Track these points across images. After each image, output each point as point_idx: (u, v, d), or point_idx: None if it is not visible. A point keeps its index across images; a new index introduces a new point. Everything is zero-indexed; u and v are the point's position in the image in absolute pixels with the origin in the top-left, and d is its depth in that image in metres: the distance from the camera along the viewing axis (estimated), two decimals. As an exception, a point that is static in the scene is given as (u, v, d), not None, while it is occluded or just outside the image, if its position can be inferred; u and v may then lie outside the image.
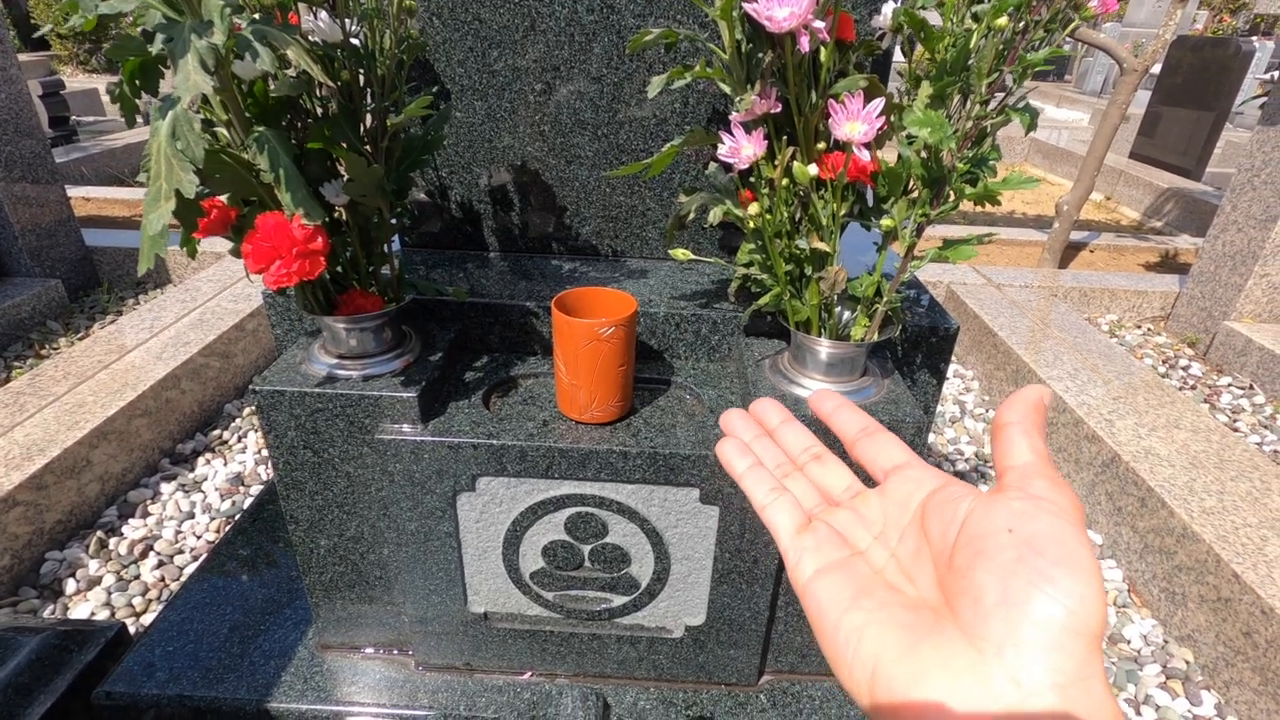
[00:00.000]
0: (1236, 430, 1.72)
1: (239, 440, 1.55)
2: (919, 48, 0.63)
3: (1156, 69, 4.42)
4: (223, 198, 0.59)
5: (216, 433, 1.56)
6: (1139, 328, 2.29)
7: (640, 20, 0.80)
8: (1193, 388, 1.92)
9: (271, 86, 0.57)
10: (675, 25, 0.80)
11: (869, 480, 0.35)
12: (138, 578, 1.17)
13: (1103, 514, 1.38)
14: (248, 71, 0.55)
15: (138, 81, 0.57)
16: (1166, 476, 1.26)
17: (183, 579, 1.18)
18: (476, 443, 0.68)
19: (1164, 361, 2.06)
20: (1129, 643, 1.16)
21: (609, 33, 0.81)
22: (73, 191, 2.83)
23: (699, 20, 0.79)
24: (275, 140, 0.54)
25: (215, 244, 2.27)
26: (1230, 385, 1.91)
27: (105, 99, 5.36)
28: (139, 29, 0.54)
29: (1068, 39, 0.59)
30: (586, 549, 0.74)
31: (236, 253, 0.59)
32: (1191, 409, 1.49)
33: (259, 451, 1.51)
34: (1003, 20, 0.54)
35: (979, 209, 3.53)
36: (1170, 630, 1.17)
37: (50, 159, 2.09)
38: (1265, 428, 1.73)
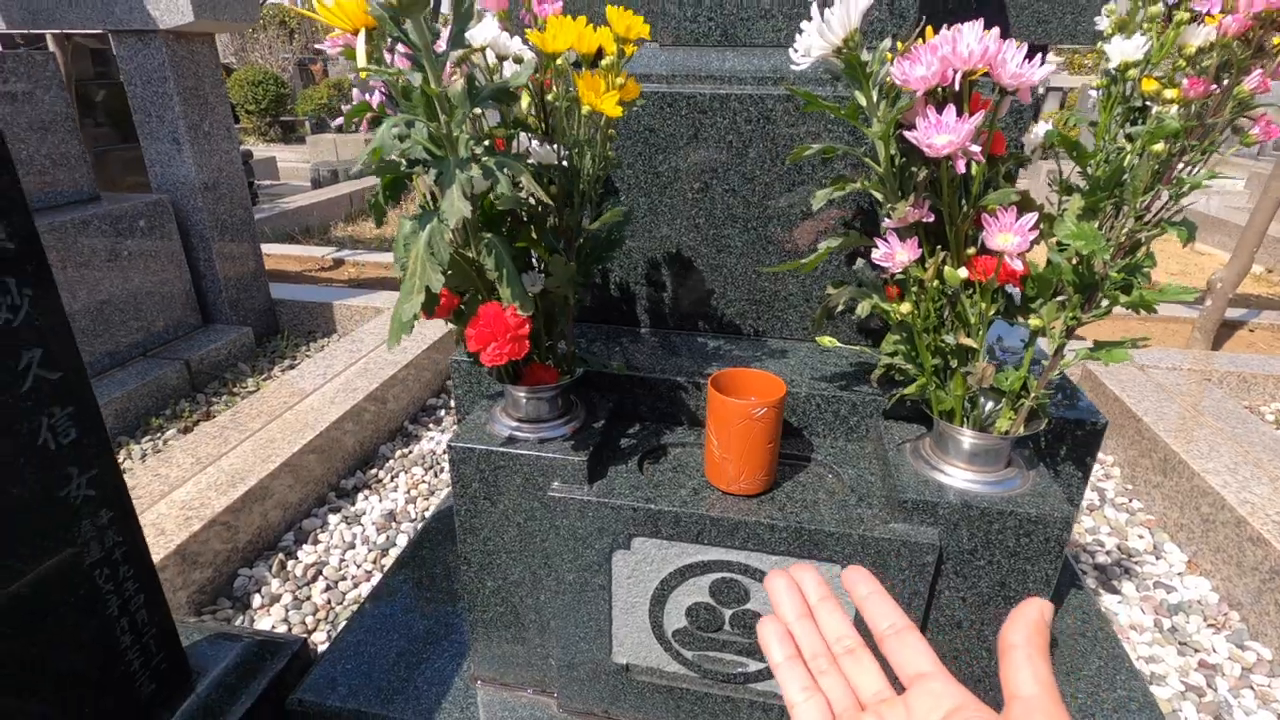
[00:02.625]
0: None
1: (392, 479, 1.72)
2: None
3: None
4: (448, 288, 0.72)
5: (373, 471, 1.74)
6: (1312, 419, 2.07)
7: (792, 129, 0.88)
8: (1382, 490, 1.72)
9: (497, 200, 0.69)
10: (824, 134, 0.88)
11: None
12: (309, 599, 1.33)
13: (1271, 626, 1.26)
14: (479, 186, 0.68)
15: (389, 193, 0.71)
16: (1350, 591, 1.15)
17: (346, 603, 1.32)
18: (636, 506, 0.75)
19: (1345, 458, 1.86)
20: (1308, 776, 1.05)
21: (763, 140, 0.90)
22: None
23: (848, 129, 0.87)
24: (500, 245, 0.65)
25: (375, 299, 2.55)
26: None
27: (282, 167, 6.16)
28: (403, 156, 0.68)
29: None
30: (728, 613, 0.79)
31: (460, 337, 0.70)
32: (1380, 516, 1.35)
33: (408, 491, 1.67)
34: (1160, 147, 0.57)
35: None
36: (1360, 767, 1.05)
37: (252, 222, 2.45)
38: None
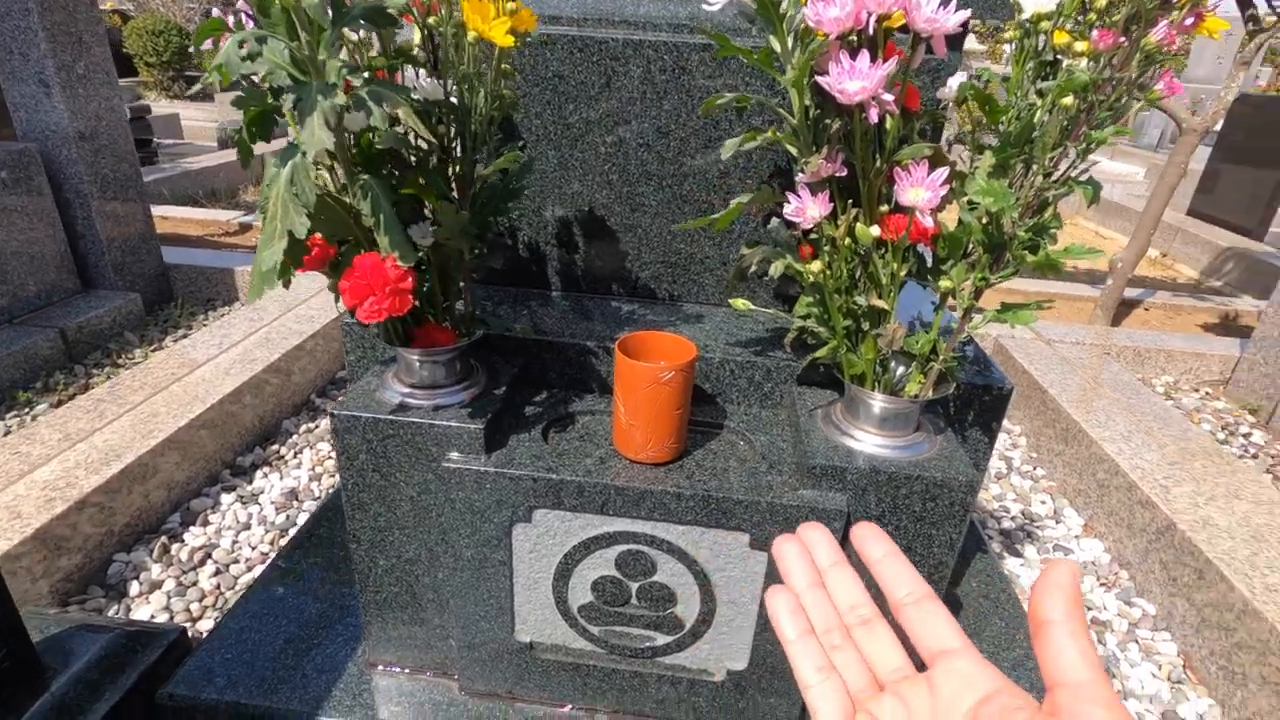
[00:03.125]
0: (1302, 504, 1.65)
1: (295, 456, 1.61)
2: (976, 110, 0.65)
3: (1217, 126, 4.34)
4: (321, 237, 0.64)
5: (274, 447, 1.62)
6: (1196, 391, 2.22)
7: (710, 80, 0.84)
8: (1254, 457, 1.85)
9: (376, 139, 0.62)
10: (744, 86, 0.84)
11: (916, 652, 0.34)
12: (195, 584, 1.22)
13: (1156, 584, 1.33)
14: (356, 124, 0.61)
15: (255, 129, 0.63)
16: (1226, 549, 1.22)
17: (238, 588, 1.23)
18: (536, 476, 0.71)
19: (1223, 428, 2.00)
20: (1183, 721, 1.11)
21: (679, 91, 0.85)
22: (153, 210, 3.02)
23: (767, 83, 0.83)
24: (378, 188, 0.59)
25: (282, 266, 2.38)
26: (1295, 456, 1.84)
27: (184, 123, 5.70)
28: (265, 85, 0.60)
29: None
30: (635, 586, 0.76)
31: (334, 288, 0.63)
32: (1253, 479, 1.44)
33: (312, 468, 1.57)
34: (1069, 100, 0.56)
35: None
36: (1229, 712, 1.12)
37: (139, 180, 2.24)
38: (1333, 503, 1.66)
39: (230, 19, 0.60)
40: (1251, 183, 4.12)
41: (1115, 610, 1.33)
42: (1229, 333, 2.68)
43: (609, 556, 0.75)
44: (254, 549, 1.32)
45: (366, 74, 0.61)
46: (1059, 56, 0.60)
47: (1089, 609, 1.33)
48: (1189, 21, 0.53)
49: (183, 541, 1.31)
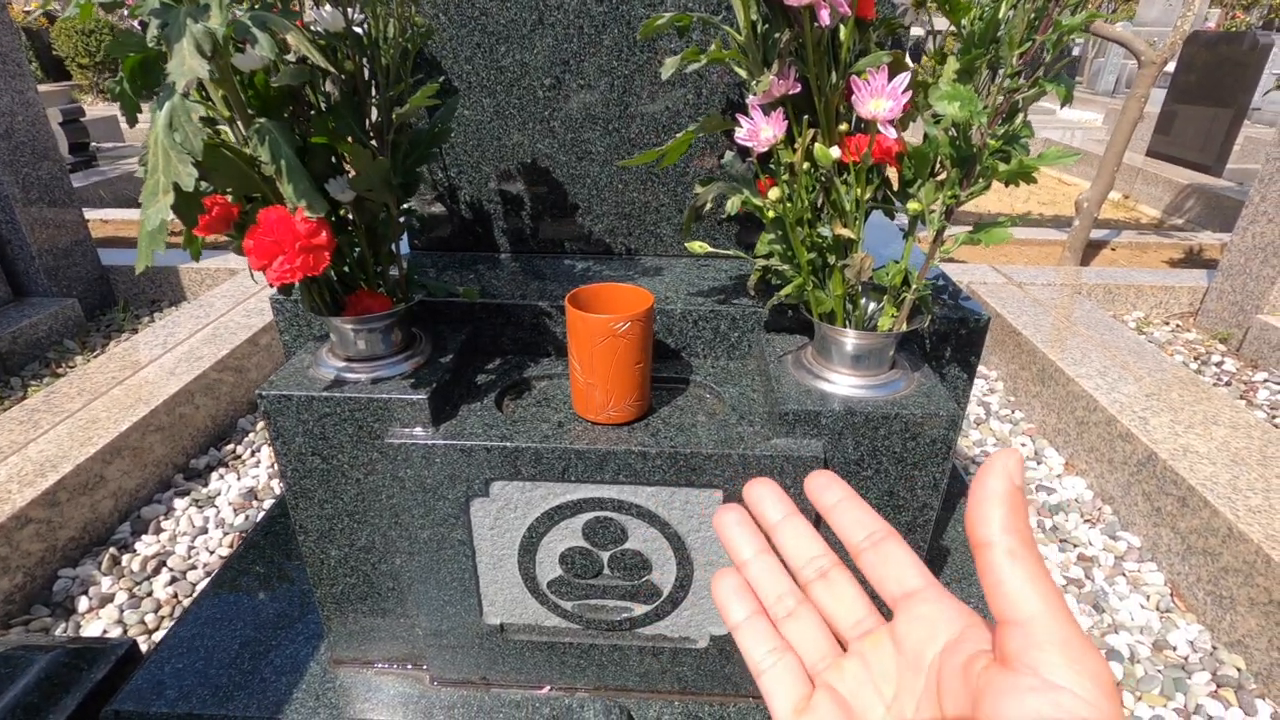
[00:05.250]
0: (1277, 426, 1.66)
1: (252, 454, 1.54)
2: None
3: (1170, 68, 4.36)
4: (225, 195, 0.57)
5: (230, 447, 1.55)
6: (1167, 324, 2.23)
7: (650, 9, 0.78)
8: (1227, 384, 1.86)
9: (273, 79, 0.55)
10: (685, 9, 0.77)
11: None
12: (150, 594, 1.16)
13: (1140, 515, 1.32)
14: (248, 63, 0.54)
15: (137, 79, 0.55)
16: (1208, 475, 1.21)
17: (196, 595, 1.16)
18: (489, 445, 0.65)
19: (1195, 358, 2.00)
20: (1175, 649, 1.10)
21: (619, 24, 0.79)
22: (92, 214, 2.87)
23: (709, 6, 0.77)
24: (276, 131, 0.52)
25: (229, 260, 2.28)
26: (1267, 380, 1.85)
27: (124, 126, 5.46)
28: (137, 21, 0.52)
29: (1079, 39, 0.56)
30: (606, 555, 0.71)
31: (239, 250, 0.57)
32: (1229, 405, 1.44)
33: (272, 465, 1.50)
34: (1035, -16, 0.51)
35: (990, 210, 3.48)
36: (1219, 636, 1.12)
37: (67, 181, 2.11)
38: (1306, 424, 1.67)
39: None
40: (1207, 121, 4.15)
41: (1101, 545, 1.32)
42: (1195, 266, 2.70)
43: (575, 526, 0.70)
44: (212, 553, 1.25)
45: (257, 4, 0.55)
46: (1022, -57, 0.55)
47: (1074, 546, 1.32)
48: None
49: (134, 551, 1.23)
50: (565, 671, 0.79)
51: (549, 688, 0.81)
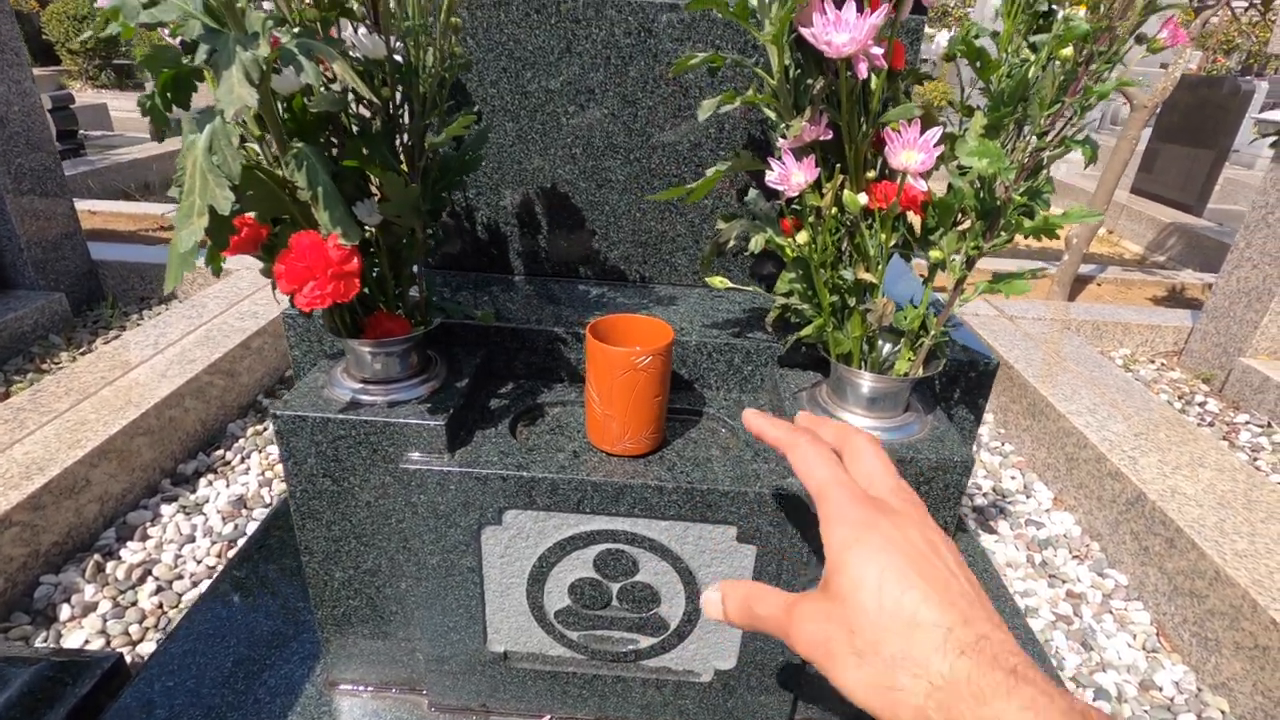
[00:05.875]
0: (1258, 469, 1.70)
1: (242, 461, 1.51)
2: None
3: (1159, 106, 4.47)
4: (253, 215, 0.57)
5: (219, 453, 1.52)
6: (1153, 362, 2.27)
7: (678, 45, 0.79)
8: (1210, 424, 1.90)
9: (310, 102, 0.55)
10: (715, 49, 0.78)
11: None
12: (135, 604, 1.13)
13: (1128, 553, 1.34)
14: (287, 86, 0.54)
15: (169, 94, 0.55)
16: (1195, 517, 1.23)
17: (182, 606, 1.14)
18: (505, 474, 0.65)
19: (1180, 397, 2.04)
20: (1161, 690, 1.12)
21: (645, 56, 0.80)
22: (79, 205, 2.82)
23: (738, 45, 0.78)
24: (314, 157, 0.52)
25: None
26: (1248, 423, 1.89)
27: (114, 114, 5.38)
28: (177, 39, 0.52)
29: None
30: (615, 587, 0.71)
31: (267, 272, 0.56)
32: (1214, 447, 1.47)
33: (262, 473, 1.48)
34: (1067, 51, 0.52)
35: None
36: (1204, 678, 1.13)
37: (60, 172, 2.07)
38: (1285, 467, 1.71)
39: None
40: (1188, 161, 4.26)
41: (1089, 582, 1.33)
42: (1177, 305, 2.76)
43: (587, 557, 0.69)
44: (199, 563, 1.22)
45: (297, 28, 0.54)
46: (1053, 7, 0.57)
47: (1063, 582, 1.33)
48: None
49: (119, 559, 1.21)
50: (567, 701, 0.78)
51: (549, 717, 0.80)
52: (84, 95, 6.41)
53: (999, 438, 1.82)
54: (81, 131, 4.32)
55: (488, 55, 0.80)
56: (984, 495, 1.58)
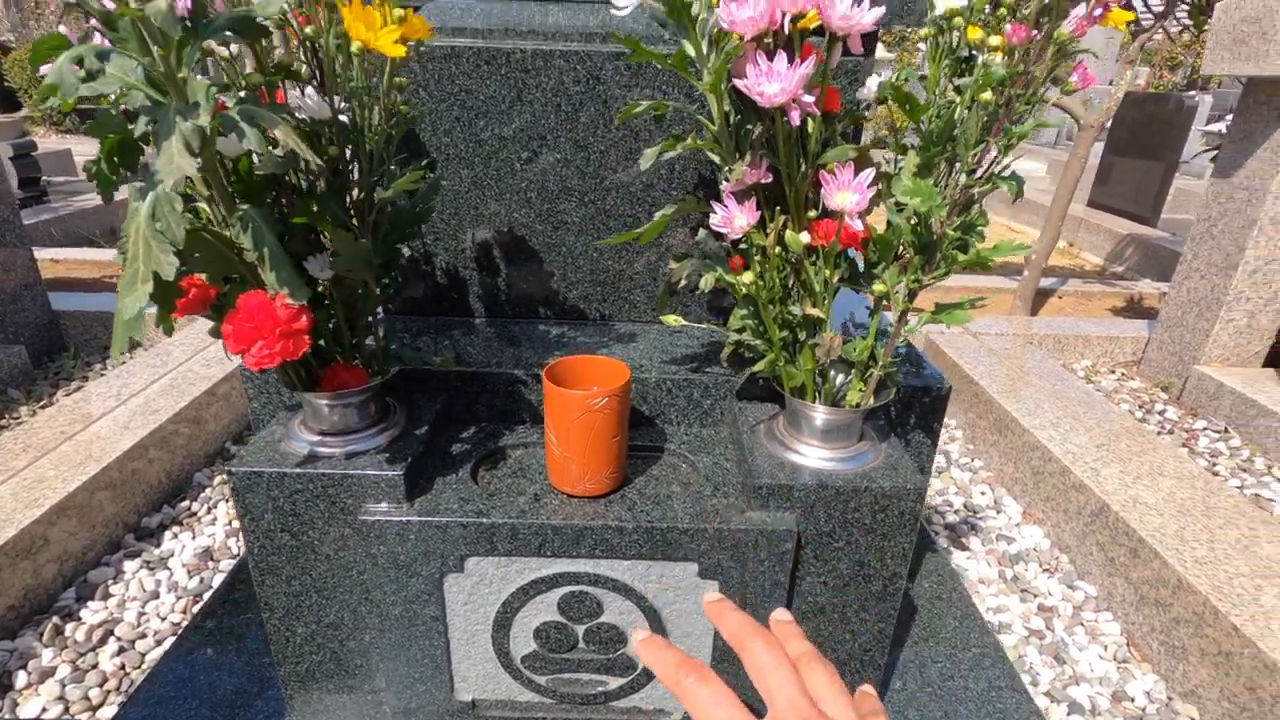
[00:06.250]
0: (1216, 474, 1.74)
1: (209, 511, 1.48)
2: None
3: (1108, 123, 4.64)
4: (202, 276, 0.57)
5: (185, 504, 1.49)
6: (1113, 372, 2.33)
7: (626, 91, 0.81)
8: (1170, 432, 1.95)
9: (257, 164, 0.56)
10: (661, 95, 0.81)
11: None
12: (95, 666, 1.10)
13: (1095, 565, 1.37)
14: (232, 149, 0.54)
15: (116, 159, 0.55)
16: (1156, 526, 1.26)
17: (145, 666, 1.11)
18: (465, 521, 0.65)
19: (1140, 406, 2.09)
20: (1133, 700, 1.13)
21: (595, 102, 0.82)
22: (42, 253, 2.78)
23: (684, 89, 0.81)
24: (260, 219, 0.52)
25: (188, 305, 2.22)
26: (1206, 429, 1.94)
27: (78, 159, 5.33)
28: (120, 107, 0.53)
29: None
30: (581, 629, 0.71)
31: (216, 332, 0.56)
32: (1173, 455, 1.50)
33: (229, 522, 1.45)
34: (987, 95, 0.55)
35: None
36: (1173, 686, 1.15)
37: (18, 222, 2.05)
38: (1244, 471, 1.75)
39: (75, 36, 0.53)
40: (1141, 173, 4.41)
41: (1060, 595, 1.35)
42: (1136, 315, 2.84)
43: (551, 601, 0.69)
44: (164, 620, 1.19)
45: (243, 93, 0.55)
46: (974, 52, 0.60)
47: (1034, 596, 1.35)
48: (1098, 13, 0.52)
49: (79, 620, 1.17)
50: (538, 747, 0.77)
51: (521, 764, 0.79)
52: (47, 141, 6.35)
53: (968, 453, 1.85)
54: (45, 178, 4.26)
55: (440, 105, 0.81)
56: (955, 512, 1.60)
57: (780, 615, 0.39)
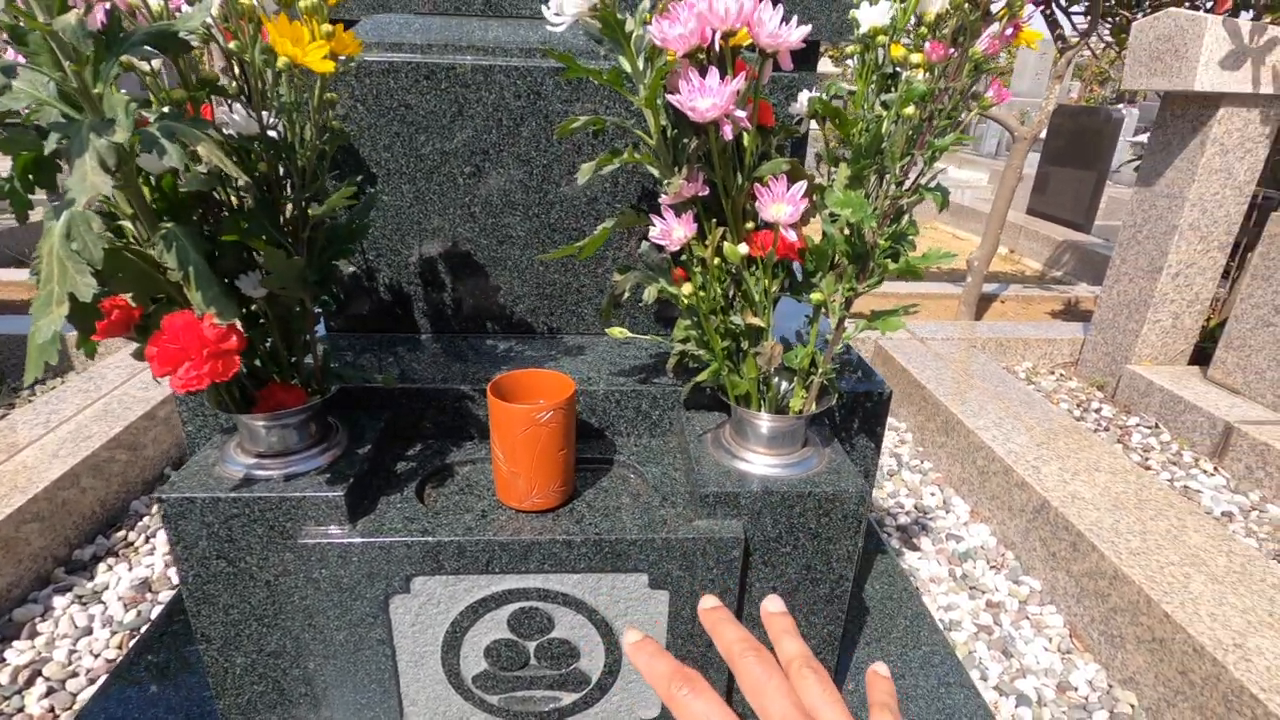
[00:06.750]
0: (1149, 468, 1.82)
1: (146, 541, 1.42)
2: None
3: (1043, 133, 4.85)
4: (126, 297, 0.55)
5: (121, 534, 1.43)
6: (1052, 373, 2.42)
7: (566, 105, 0.81)
8: (1106, 429, 2.03)
9: (181, 181, 0.54)
10: (603, 110, 0.81)
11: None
12: (21, 710, 1.04)
13: (1039, 560, 1.41)
14: (154, 165, 0.53)
15: (31, 177, 0.53)
16: (1093, 520, 1.31)
17: (75, 708, 1.05)
18: (410, 541, 0.64)
19: (1078, 405, 2.18)
20: (1076, 689, 1.17)
21: (536, 117, 0.82)
22: (-37, 275, 2.64)
23: (625, 103, 0.81)
24: (184, 237, 0.51)
25: (124, 327, 2.14)
26: (1138, 425, 2.04)
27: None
28: (33, 123, 0.51)
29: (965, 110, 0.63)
30: (532, 646, 0.70)
31: (140, 355, 0.54)
32: (1108, 451, 1.57)
33: (169, 552, 1.39)
34: (910, 110, 0.57)
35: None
36: (1113, 674, 1.19)
37: (-63, 243, 1.94)
38: (1173, 464, 1.84)
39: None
40: (1075, 182, 4.62)
41: (1006, 590, 1.39)
42: (1073, 317, 2.96)
43: (500, 618, 0.68)
44: (97, 657, 1.14)
45: (166, 109, 0.54)
46: (898, 69, 0.62)
47: (983, 592, 1.39)
48: (1009, 32, 0.55)
49: (3, 661, 1.11)
50: (492, 769, 0.76)
51: (475, 788, 0.77)
52: (-29, 157, 6.05)
53: (918, 456, 1.89)
54: (-33, 196, 4.06)
55: (380, 121, 0.81)
56: (907, 514, 1.64)
57: (772, 606, 0.40)
